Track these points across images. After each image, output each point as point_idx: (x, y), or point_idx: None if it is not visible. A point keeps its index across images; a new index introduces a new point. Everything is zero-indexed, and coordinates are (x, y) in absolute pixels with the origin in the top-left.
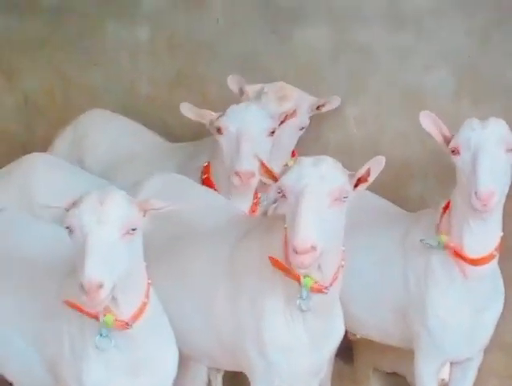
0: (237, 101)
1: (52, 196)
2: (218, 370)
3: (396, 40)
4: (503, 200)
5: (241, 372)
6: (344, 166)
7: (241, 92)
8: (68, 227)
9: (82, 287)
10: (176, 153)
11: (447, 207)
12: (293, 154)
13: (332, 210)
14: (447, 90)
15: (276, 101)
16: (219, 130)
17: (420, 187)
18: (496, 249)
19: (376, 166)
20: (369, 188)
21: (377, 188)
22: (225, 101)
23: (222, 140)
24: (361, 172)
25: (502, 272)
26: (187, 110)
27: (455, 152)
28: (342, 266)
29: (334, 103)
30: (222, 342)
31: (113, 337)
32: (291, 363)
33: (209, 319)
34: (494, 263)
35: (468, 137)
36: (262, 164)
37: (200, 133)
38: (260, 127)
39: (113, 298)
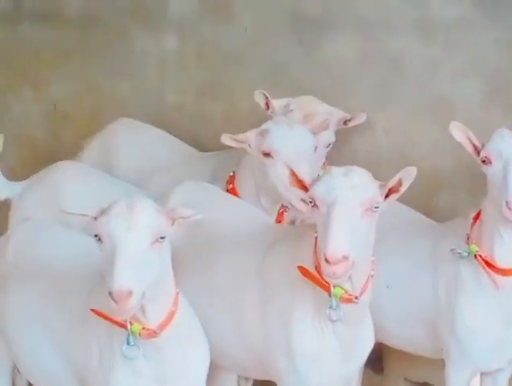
0: (265, 111)
1: (82, 204)
2: (248, 379)
3: (425, 50)
4: None
5: (271, 381)
6: (373, 176)
7: (268, 106)
8: (96, 236)
9: (111, 295)
10: (205, 162)
11: (477, 216)
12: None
13: (364, 220)
14: (476, 100)
15: (302, 120)
16: (267, 154)
17: (450, 198)
18: None
19: (407, 176)
20: (398, 198)
21: (407, 199)
22: (252, 111)
23: (272, 163)
24: (393, 182)
25: None
26: (228, 140)
27: (486, 162)
28: (372, 276)
29: (360, 118)
30: (252, 352)
31: (141, 346)
32: (321, 373)
33: (239, 328)
34: None
35: (499, 147)
36: (293, 174)
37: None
38: (310, 147)
39: (141, 307)
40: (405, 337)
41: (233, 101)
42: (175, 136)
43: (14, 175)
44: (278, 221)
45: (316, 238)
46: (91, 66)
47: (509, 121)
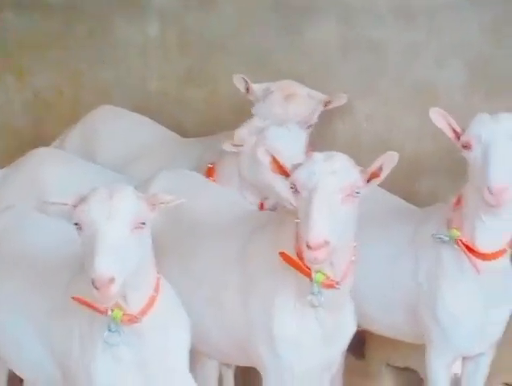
0: (246, 96)
1: (62, 191)
2: (229, 366)
3: (407, 36)
4: None
5: (252, 368)
6: (354, 162)
7: (248, 90)
8: (76, 224)
9: (93, 282)
10: (188, 148)
11: (458, 201)
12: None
13: (345, 205)
14: (459, 85)
15: (282, 101)
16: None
17: (431, 183)
18: (508, 244)
19: (389, 161)
20: (379, 184)
21: (388, 184)
22: (235, 97)
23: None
24: (374, 168)
25: None
26: (229, 147)
27: (466, 147)
28: (353, 262)
29: (341, 100)
30: (234, 338)
31: (123, 332)
32: (302, 358)
33: (221, 315)
34: (506, 258)
35: (480, 132)
36: (274, 160)
37: (211, 129)
38: (302, 145)
39: (122, 293)
40: (386, 323)
41: (215, 88)
42: (158, 122)
43: None
44: (261, 208)
45: (298, 224)
46: (74, 54)
47: (491, 105)
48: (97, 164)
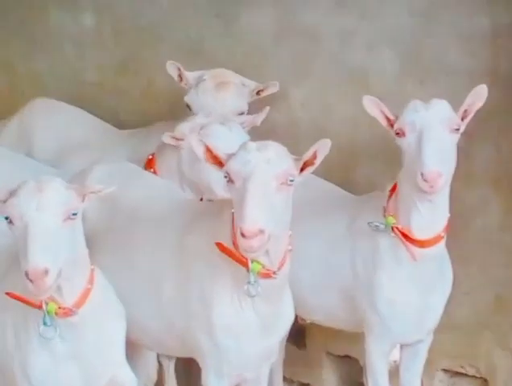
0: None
1: None
2: (170, 358)
3: (340, 22)
4: (450, 181)
5: (193, 360)
6: (291, 150)
7: (181, 78)
8: (7, 218)
9: (27, 275)
10: (125, 140)
11: (394, 189)
12: None
13: (279, 194)
14: (391, 71)
15: (213, 88)
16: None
17: (368, 170)
18: (443, 231)
19: (322, 148)
20: (316, 172)
21: (325, 172)
22: (170, 86)
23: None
24: (308, 155)
25: (450, 252)
26: (168, 139)
27: (399, 134)
28: (290, 251)
29: (273, 88)
30: (172, 329)
31: (58, 326)
32: (241, 348)
33: (158, 306)
34: (442, 244)
35: (413, 119)
36: (208, 150)
37: (148, 119)
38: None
39: (57, 286)
40: (325, 312)
41: (151, 77)
42: (95, 113)
43: None
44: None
45: (234, 214)
46: (7, 45)
47: (424, 91)
48: (33, 158)
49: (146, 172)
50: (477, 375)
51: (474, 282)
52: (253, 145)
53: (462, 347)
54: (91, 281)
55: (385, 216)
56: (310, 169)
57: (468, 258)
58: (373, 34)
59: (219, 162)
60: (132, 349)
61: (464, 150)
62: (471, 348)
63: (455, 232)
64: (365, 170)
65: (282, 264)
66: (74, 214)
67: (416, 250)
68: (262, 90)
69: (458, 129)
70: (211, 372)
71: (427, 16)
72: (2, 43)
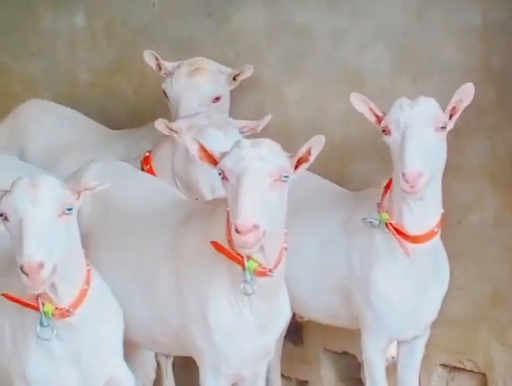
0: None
1: None
2: (168, 356)
3: (332, 20)
4: (440, 177)
5: (191, 358)
6: (286, 148)
7: (159, 67)
8: (2, 215)
9: (22, 268)
10: (118, 140)
11: (388, 185)
12: None
13: (273, 190)
14: (384, 68)
15: (187, 74)
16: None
17: (362, 167)
18: (437, 226)
19: (316, 144)
20: (311, 169)
21: (320, 169)
22: None
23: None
24: (302, 152)
25: (446, 248)
26: (161, 126)
27: (386, 132)
28: (285, 248)
29: (248, 72)
30: (169, 329)
31: (55, 326)
32: (238, 346)
33: (155, 306)
34: (436, 240)
35: (398, 117)
36: (202, 148)
37: (140, 119)
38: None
39: (52, 286)
40: (321, 309)
41: (143, 77)
42: (87, 114)
43: None
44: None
45: (228, 212)
46: None
47: (417, 88)
48: (26, 159)
49: (140, 171)
50: (475, 370)
51: (470, 277)
52: (247, 142)
53: (460, 342)
54: (88, 281)
55: (379, 212)
56: (304, 166)
57: (464, 253)
58: (365, 32)
59: (213, 160)
60: (130, 348)
61: (459, 146)
62: (469, 343)
63: (450, 228)
64: (360, 167)
65: (278, 262)
66: (69, 209)
67: (410, 246)
68: (237, 75)
69: (444, 127)
70: (208, 371)
71: (419, 13)
72: None
